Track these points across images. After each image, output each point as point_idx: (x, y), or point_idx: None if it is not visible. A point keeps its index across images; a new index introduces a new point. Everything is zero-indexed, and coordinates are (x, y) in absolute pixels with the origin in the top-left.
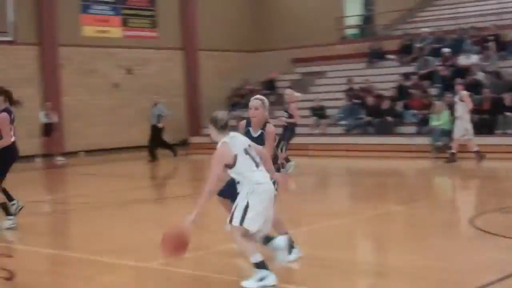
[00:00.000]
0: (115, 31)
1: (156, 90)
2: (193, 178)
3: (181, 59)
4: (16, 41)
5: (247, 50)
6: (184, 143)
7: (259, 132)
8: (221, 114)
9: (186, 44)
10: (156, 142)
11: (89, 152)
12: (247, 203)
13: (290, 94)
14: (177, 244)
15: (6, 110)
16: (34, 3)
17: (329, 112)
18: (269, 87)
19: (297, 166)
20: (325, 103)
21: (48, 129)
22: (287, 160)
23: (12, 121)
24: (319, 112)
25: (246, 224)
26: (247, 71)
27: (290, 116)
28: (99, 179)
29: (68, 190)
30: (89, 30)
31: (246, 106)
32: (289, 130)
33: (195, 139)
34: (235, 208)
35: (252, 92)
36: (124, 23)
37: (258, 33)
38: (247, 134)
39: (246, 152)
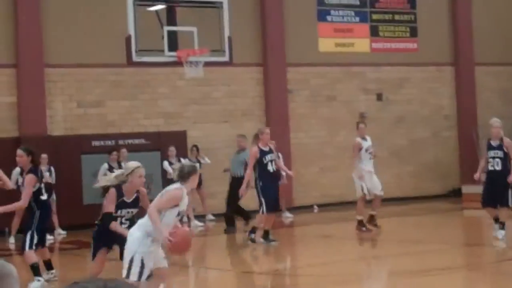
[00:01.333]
0: (362, 44)
1: (415, 120)
2: (466, 243)
3: (451, 78)
4: (233, 62)
5: None
6: (455, 194)
7: None
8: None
9: (457, 57)
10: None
11: (324, 206)
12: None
13: None
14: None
15: (32, 170)
16: (255, 12)
17: None
18: None
19: None
20: None
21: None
22: None
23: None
24: None
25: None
26: None
27: None
28: (336, 241)
29: (299, 258)
30: (327, 44)
31: None
32: None
33: (470, 188)
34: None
35: None
36: (373, 33)
37: None
38: None
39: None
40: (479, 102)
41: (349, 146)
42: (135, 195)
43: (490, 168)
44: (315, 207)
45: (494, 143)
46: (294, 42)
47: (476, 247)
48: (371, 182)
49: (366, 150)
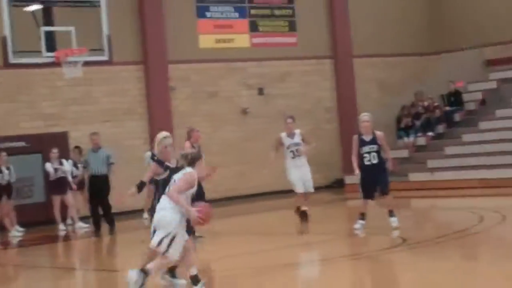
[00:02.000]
0: (241, 39)
1: (297, 114)
2: (350, 233)
3: (330, 71)
4: (113, 60)
5: (420, 53)
6: (338, 184)
7: None
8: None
9: (335, 50)
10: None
11: (212, 202)
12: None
13: None
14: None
15: None
16: (133, 10)
17: None
18: (454, 101)
19: (497, 209)
20: None
21: None
22: None
23: None
24: None
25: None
26: (422, 81)
27: None
28: (234, 238)
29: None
30: (207, 40)
31: (421, 129)
32: None
33: (352, 179)
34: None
35: (430, 109)
36: (253, 28)
37: (434, 29)
38: None
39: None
40: (358, 93)
41: (234, 142)
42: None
43: (367, 162)
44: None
45: (366, 137)
46: (174, 39)
47: (359, 236)
48: (297, 177)
49: (288, 148)
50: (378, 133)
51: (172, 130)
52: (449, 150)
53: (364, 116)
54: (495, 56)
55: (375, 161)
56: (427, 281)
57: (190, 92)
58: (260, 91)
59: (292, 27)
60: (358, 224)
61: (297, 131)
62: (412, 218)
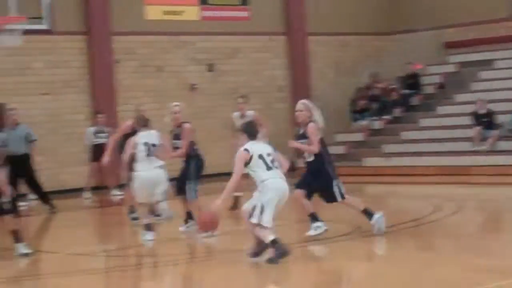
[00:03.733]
0: (191, 12)
1: (248, 92)
2: (300, 219)
3: (283, 48)
4: (54, 30)
5: (377, 32)
6: (290, 168)
7: None
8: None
9: (289, 26)
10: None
11: None
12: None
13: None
14: (211, 221)
15: None
16: None
17: (500, 119)
18: (411, 84)
19: (454, 197)
20: (494, 106)
21: (99, 152)
22: None
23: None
24: (485, 120)
25: (263, 222)
26: (378, 62)
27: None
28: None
29: (125, 240)
30: (154, 12)
31: (378, 112)
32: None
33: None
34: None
35: (387, 92)
36: (203, 0)
37: (392, 8)
38: None
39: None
40: (312, 72)
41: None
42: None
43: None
44: None
45: (299, 130)
46: (120, 9)
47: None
48: None
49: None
50: (310, 126)
51: (115, 106)
52: (406, 135)
53: (299, 105)
54: (455, 38)
55: (310, 159)
56: (379, 271)
57: (136, 66)
58: (210, 67)
59: (244, 1)
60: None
61: (250, 113)
62: (365, 205)
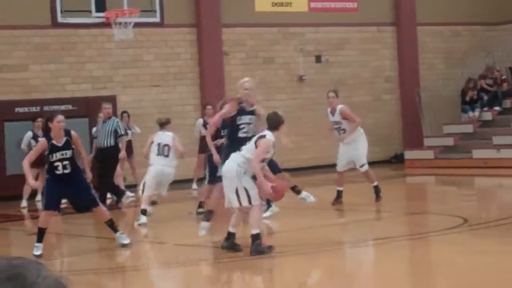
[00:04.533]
0: (299, 3)
1: (355, 83)
2: (408, 211)
3: (392, 39)
4: (164, 22)
5: (488, 22)
6: (397, 160)
7: None
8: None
9: (398, 16)
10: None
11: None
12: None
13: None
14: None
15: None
16: None
17: None
18: None
19: None
20: None
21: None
22: None
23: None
24: None
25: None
26: (490, 52)
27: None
28: (284, 212)
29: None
30: (263, 4)
31: (489, 104)
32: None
33: (412, 154)
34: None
35: (498, 82)
36: None
37: None
38: None
39: None
40: (421, 63)
41: (289, 110)
42: None
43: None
44: None
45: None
46: (229, 1)
47: (419, 215)
48: (342, 155)
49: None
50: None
51: (225, 97)
52: None
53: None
54: None
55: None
56: (488, 265)
57: (244, 58)
58: (318, 58)
59: None
60: None
61: (339, 107)
62: (474, 198)
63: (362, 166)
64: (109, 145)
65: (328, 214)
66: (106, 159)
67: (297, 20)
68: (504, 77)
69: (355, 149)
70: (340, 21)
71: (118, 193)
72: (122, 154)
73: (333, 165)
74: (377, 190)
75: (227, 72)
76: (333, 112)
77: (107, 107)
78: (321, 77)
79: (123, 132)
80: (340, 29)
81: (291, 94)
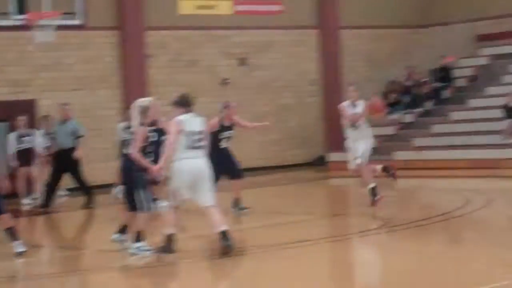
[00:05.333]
0: (224, 6)
1: (279, 86)
2: (329, 213)
3: (316, 42)
4: (86, 25)
5: (410, 25)
6: (320, 162)
7: None
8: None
9: (322, 20)
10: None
11: None
12: None
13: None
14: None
15: None
16: None
17: None
18: (443, 77)
19: (485, 190)
20: None
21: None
22: None
23: None
24: None
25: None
26: (411, 55)
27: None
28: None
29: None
30: (187, 6)
31: (410, 106)
32: None
33: (335, 156)
34: None
35: (419, 85)
36: None
37: (424, 1)
38: None
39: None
40: (345, 66)
41: (213, 113)
42: None
43: None
44: None
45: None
46: (152, 4)
47: (340, 217)
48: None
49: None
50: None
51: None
52: (437, 128)
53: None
54: (487, 30)
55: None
56: (408, 265)
57: (168, 61)
58: (242, 61)
59: None
60: None
61: (361, 102)
62: (395, 199)
63: (361, 159)
64: (70, 146)
65: (248, 218)
66: (70, 159)
67: (222, 23)
68: (425, 79)
69: (365, 144)
70: (265, 24)
71: (90, 192)
72: (80, 153)
73: (258, 168)
74: (373, 191)
75: (151, 75)
76: (354, 105)
77: (65, 108)
78: (245, 80)
79: (83, 133)
80: (265, 32)
81: (214, 98)
